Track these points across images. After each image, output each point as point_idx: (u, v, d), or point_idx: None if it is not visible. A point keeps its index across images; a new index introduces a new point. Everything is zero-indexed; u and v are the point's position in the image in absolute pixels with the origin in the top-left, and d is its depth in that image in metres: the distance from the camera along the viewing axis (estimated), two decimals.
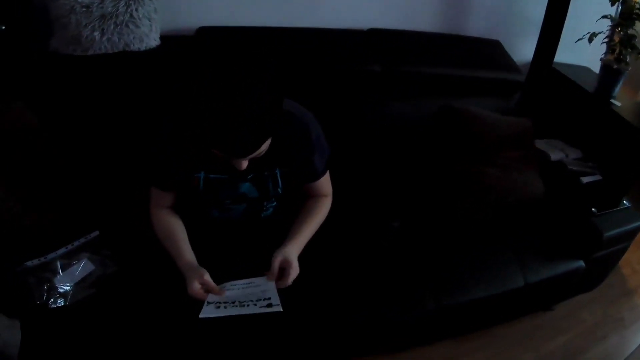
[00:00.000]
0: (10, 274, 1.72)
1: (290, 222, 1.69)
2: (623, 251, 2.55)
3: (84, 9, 2.04)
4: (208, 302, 1.42)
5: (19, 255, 1.78)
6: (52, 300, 1.68)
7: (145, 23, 2.17)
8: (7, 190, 1.83)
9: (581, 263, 2.31)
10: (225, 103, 1.20)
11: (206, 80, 1.22)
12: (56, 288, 1.70)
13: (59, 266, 1.76)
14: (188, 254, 1.56)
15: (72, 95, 2.13)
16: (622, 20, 2.54)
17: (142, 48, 2.20)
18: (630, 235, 2.44)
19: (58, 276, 1.73)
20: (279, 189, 1.67)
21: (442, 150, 2.46)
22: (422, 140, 2.57)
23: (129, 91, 2.19)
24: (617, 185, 2.51)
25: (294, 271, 1.50)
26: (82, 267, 1.78)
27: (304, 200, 1.78)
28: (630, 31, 2.52)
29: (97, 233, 1.92)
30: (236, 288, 1.50)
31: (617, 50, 2.60)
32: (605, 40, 2.67)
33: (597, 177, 2.56)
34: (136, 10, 2.12)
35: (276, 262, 1.50)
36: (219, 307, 1.41)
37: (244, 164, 1.38)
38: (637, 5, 2.52)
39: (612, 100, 2.64)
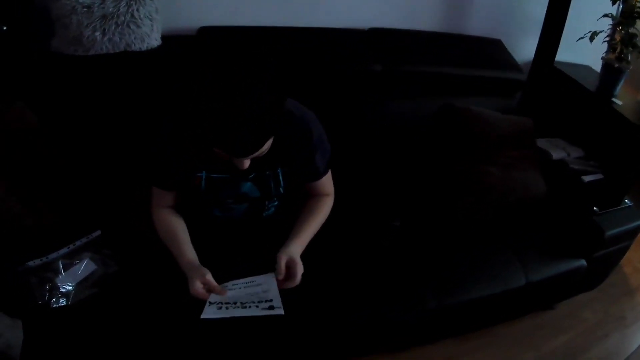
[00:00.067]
0: (12, 274, 1.72)
1: (292, 222, 1.69)
2: (625, 250, 2.55)
3: (85, 9, 2.04)
4: (210, 303, 1.42)
5: (20, 255, 1.78)
6: (54, 300, 1.68)
7: (147, 23, 2.17)
8: (8, 191, 1.83)
9: (583, 262, 2.31)
10: (225, 103, 1.20)
11: (207, 80, 1.22)
12: (58, 288, 1.71)
13: (60, 266, 1.76)
14: (190, 253, 1.56)
15: (74, 95, 2.13)
16: (623, 19, 2.54)
17: (144, 48, 2.20)
18: (631, 234, 2.44)
19: (60, 276, 1.74)
20: (280, 189, 1.67)
21: (443, 150, 2.46)
22: (423, 140, 2.57)
23: (131, 91, 2.19)
24: (619, 184, 2.51)
25: (300, 270, 1.51)
26: (84, 267, 1.79)
27: (305, 199, 1.78)
28: (631, 30, 2.52)
29: (98, 233, 1.92)
30: (238, 287, 1.50)
31: (618, 49, 2.60)
32: (607, 39, 2.67)
33: (599, 176, 2.56)
34: (137, 10, 2.12)
35: (283, 262, 1.50)
36: (220, 307, 1.41)
37: (246, 163, 1.38)
38: (638, 4, 2.52)
39: (613, 99, 2.64)
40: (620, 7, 2.61)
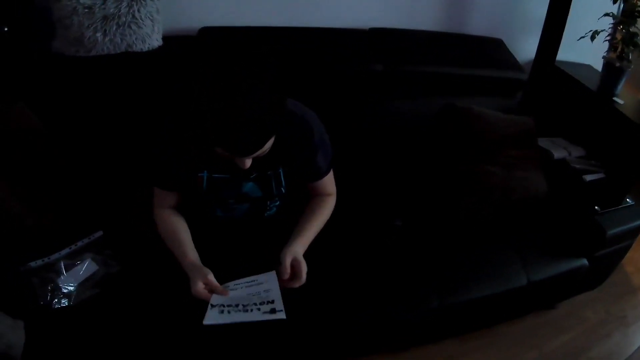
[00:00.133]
0: (14, 275, 1.73)
1: (294, 222, 1.69)
2: (626, 249, 2.54)
3: (86, 10, 2.04)
4: (212, 305, 1.42)
5: (22, 255, 1.78)
6: (56, 300, 1.68)
7: (148, 24, 2.17)
8: (10, 191, 1.83)
9: (584, 261, 2.31)
10: (227, 103, 1.20)
11: (208, 81, 1.22)
12: (60, 288, 1.71)
13: (62, 266, 1.77)
14: (192, 253, 1.56)
15: (75, 96, 2.14)
16: (624, 18, 2.54)
17: (145, 49, 2.20)
18: (633, 233, 2.44)
19: (62, 276, 1.74)
20: (282, 189, 1.67)
21: (444, 150, 2.46)
22: (425, 140, 2.57)
23: (132, 92, 2.19)
24: (621, 183, 2.50)
25: (305, 269, 1.51)
26: (85, 268, 1.79)
27: (308, 199, 1.78)
28: (632, 29, 2.52)
29: (100, 233, 1.92)
30: (239, 287, 1.50)
31: (619, 48, 2.60)
32: (608, 38, 2.67)
33: (600, 175, 2.56)
34: (138, 11, 2.12)
35: (287, 261, 1.50)
36: (222, 311, 1.41)
37: (248, 162, 1.38)
38: (639, 3, 2.52)
39: (614, 98, 2.64)
40: (621, 6, 2.61)
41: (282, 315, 1.38)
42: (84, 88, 2.14)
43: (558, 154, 2.66)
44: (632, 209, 2.43)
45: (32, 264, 1.76)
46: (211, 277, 1.47)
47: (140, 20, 2.14)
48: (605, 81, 2.72)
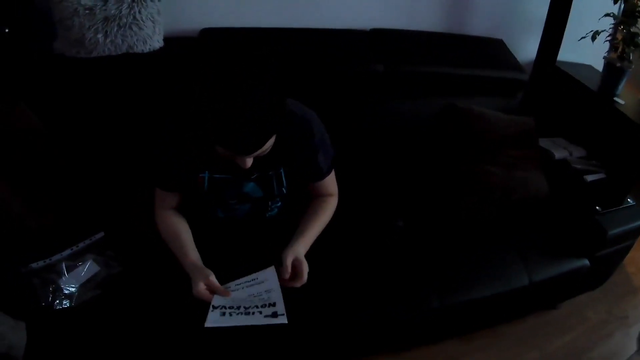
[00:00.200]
0: (15, 276, 1.73)
1: (295, 222, 1.69)
2: (627, 249, 2.54)
3: (87, 12, 2.04)
4: (213, 307, 1.42)
5: (23, 256, 1.78)
6: (57, 301, 1.68)
7: (149, 25, 2.18)
8: (12, 192, 1.83)
9: (586, 261, 2.31)
10: (227, 104, 1.21)
11: (208, 81, 1.23)
12: (61, 289, 1.71)
13: (64, 268, 1.76)
14: (193, 254, 1.56)
15: (76, 97, 2.14)
16: (625, 18, 2.54)
17: (146, 50, 2.21)
18: (634, 233, 2.44)
19: (63, 277, 1.74)
20: (283, 189, 1.68)
21: (445, 150, 2.46)
22: (426, 140, 2.57)
23: (133, 93, 2.19)
24: (621, 183, 2.50)
25: (306, 270, 1.51)
26: (87, 269, 1.79)
27: (309, 200, 1.78)
28: (633, 29, 2.52)
29: (101, 234, 1.92)
30: (240, 287, 1.50)
31: (620, 48, 2.60)
32: (608, 38, 2.67)
33: (601, 176, 2.56)
34: (139, 12, 2.12)
35: (289, 260, 1.50)
36: (224, 313, 1.41)
37: (249, 162, 1.38)
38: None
39: (615, 99, 2.64)
40: (622, 6, 2.61)
41: (283, 320, 1.38)
42: (85, 89, 2.14)
43: (559, 154, 2.66)
44: (633, 209, 2.43)
45: (34, 265, 1.76)
46: (212, 277, 1.47)
47: (141, 22, 2.14)
48: (606, 81, 2.72)
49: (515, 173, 2.38)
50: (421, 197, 2.40)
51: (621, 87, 2.67)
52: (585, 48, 2.66)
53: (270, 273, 1.52)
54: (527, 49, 2.99)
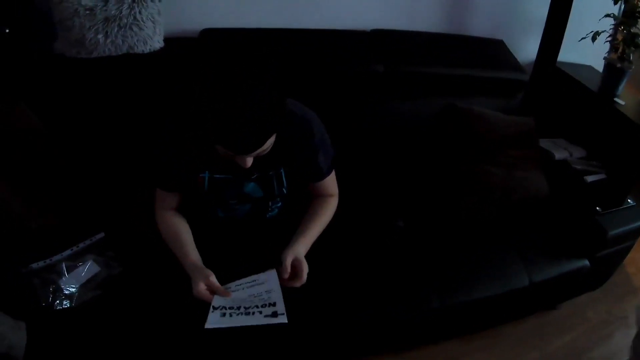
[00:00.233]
0: (16, 276, 1.73)
1: (295, 223, 1.69)
2: (628, 250, 2.54)
3: (87, 12, 2.04)
4: (213, 307, 1.43)
5: (24, 257, 1.78)
6: (57, 302, 1.68)
7: (149, 25, 2.18)
8: (12, 192, 1.84)
9: (586, 262, 2.31)
10: (227, 104, 1.22)
11: (208, 82, 1.24)
12: (62, 290, 1.71)
13: (64, 268, 1.77)
14: (193, 254, 1.57)
15: (77, 97, 2.14)
16: (625, 19, 2.54)
17: (146, 50, 2.21)
18: (634, 234, 2.44)
19: (63, 278, 1.74)
20: (283, 189, 1.68)
21: (445, 150, 2.46)
22: (426, 140, 2.57)
23: (133, 93, 2.20)
24: (622, 183, 2.50)
25: (306, 270, 1.51)
26: (87, 269, 1.79)
27: (309, 200, 1.78)
28: (633, 30, 2.52)
29: (102, 235, 1.93)
30: (241, 288, 1.50)
31: (620, 49, 2.60)
32: (609, 39, 2.67)
33: (602, 176, 2.56)
34: (140, 12, 2.12)
35: (288, 260, 1.50)
36: (224, 314, 1.41)
37: (249, 161, 1.39)
38: None
39: (615, 99, 2.64)
40: (622, 7, 2.61)
41: (283, 320, 1.38)
42: (85, 89, 2.15)
43: (559, 154, 2.66)
44: (634, 209, 2.43)
45: (34, 265, 1.77)
46: (213, 278, 1.47)
47: (142, 22, 2.14)
48: (606, 82, 2.72)
49: (515, 173, 2.38)
50: (421, 197, 2.40)
51: (621, 88, 2.67)
52: (585, 49, 2.66)
53: (270, 274, 1.52)
54: (527, 49, 2.99)
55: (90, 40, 2.08)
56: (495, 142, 2.43)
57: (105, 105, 2.17)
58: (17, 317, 1.57)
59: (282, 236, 1.63)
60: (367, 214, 2.23)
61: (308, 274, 1.51)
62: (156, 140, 1.56)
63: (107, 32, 2.09)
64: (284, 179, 1.65)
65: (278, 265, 1.51)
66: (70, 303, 1.70)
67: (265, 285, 1.49)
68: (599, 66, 2.88)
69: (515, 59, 2.81)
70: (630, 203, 2.44)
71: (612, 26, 2.63)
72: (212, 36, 2.36)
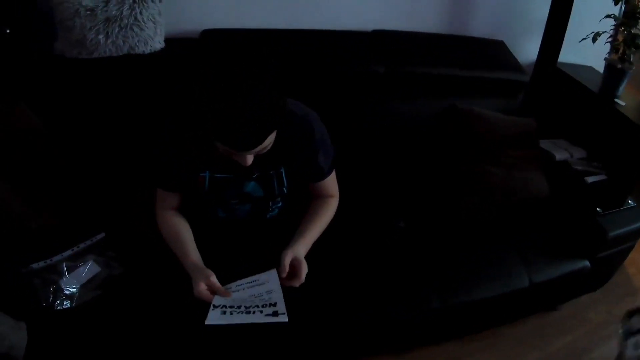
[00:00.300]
0: (16, 276, 1.73)
1: (295, 223, 1.69)
2: (628, 250, 2.54)
3: (88, 13, 2.04)
4: (214, 306, 1.43)
5: (24, 257, 1.78)
6: (58, 302, 1.69)
7: (150, 26, 2.18)
8: (12, 192, 1.84)
9: (586, 263, 2.31)
10: (227, 104, 1.22)
11: (209, 82, 1.24)
12: (62, 290, 1.71)
13: (64, 268, 1.77)
14: (194, 255, 1.57)
15: (77, 98, 2.14)
16: (626, 20, 2.54)
17: (147, 51, 2.21)
18: (635, 235, 2.44)
19: (64, 278, 1.74)
20: (284, 188, 1.68)
21: (446, 150, 2.46)
22: (427, 141, 2.57)
23: (134, 94, 2.20)
24: (622, 184, 2.50)
25: (305, 270, 1.51)
26: (87, 269, 1.79)
27: (310, 200, 1.78)
28: (634, 30, 2.51)
29: (102, 235, 1.93)
30: (241, 288, 1.50)
31: (620, 50, 2.60)
32: (609, 39, 2.66)
33: (602, 177, 2.56)
34: (140, 13, 2.13)
35: (287, 259, 1.50)
36: (224, 312, 1.41)
37: (249, 159, 1.39)
38: None
39: (616, 100, 2.64)
40: (623, 7, 2.60)
41: (284, 319, 1.38)
42: (85, 90, 2.15)
43: (559, 155, 2.66)
44: (634, 210, 2.43)
45: (34, 265, 1.77)
46: (213, 278, 1.47)
47: (143, 23, 2.15)
48: (606, 83, 2.72)
49: (515, 174, 2.38)
50: (422, 197, 2.40)
51: (622, 89, 2.67)
52: (586, 49, 2.66)
53: (271, 275, 1.52)
54: (528, 50, 2.99)
55: (91, 40, 2.08)
56: (495, 142, 2.43)
57: (105, 105, 2.17)
58: (18, 318, 1.57)
59: (283, 236, 1.63)
60: (367, 214, 2.23)
61: (308, 274, 1.51)
62: (156, 140, 1.56)
63: (107, 32, 2.09)
64: (284, 179, 1.65)
65: (278, 265, 1.51)
66: (71, 303, 1.70)
67: (265, 286, 1.49)
68: (600, 67, 2.88)
69: (516, 59, 2.81)
70: (630, 204, 2.44)
71: (612, 27, 2.63)
72: (213, 37, 2.36)
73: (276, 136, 1.40)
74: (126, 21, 2.11)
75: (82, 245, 1.88)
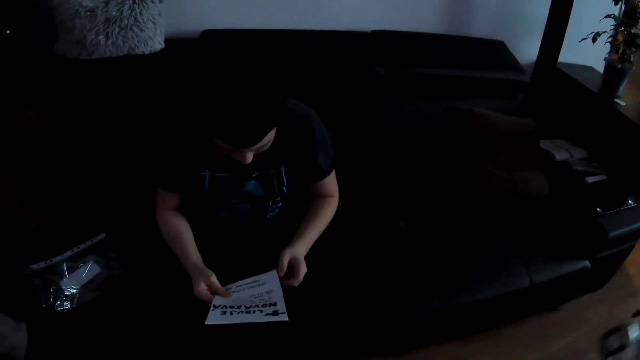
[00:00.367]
0: (17, 277, 1.73)
1: (295, 223, 1.69)
2: (629, 251, 2.54)
3: (88, 13, 2.05)
4: (214, 306, 1.43)
5: (24, 257, 1.78)
6: (58, 302, 1.69)
7: (150, 26, 2.18)
8: (12, 192, 1.83)
9: (587, 263, 2.30)
10: (227, 105, 1.22)
11: (209, 82, 1.24)
12: (62, 291, 1.71)
13: (65, 269, 1.77)
14: (194, 255, 1.57)
15: (77, 98, 2.14)
16: (626, 20, 2.54)
17: (147, 51, 2.21)
18: (635, 235, 2.44)
19: (64, 279, 1.74)
20: (284, 188, 1.68)
21: (446, 151, 2.46)
22: (427, 141, 2.57)
23: (134, 95, 2.20)
24: (622, 184, 2.50)
25: (303, 270, 1.51)
26: (88, 270, 1.79)
27: (310, 200, 1.78)
28: (634, 30, 2.51)
29: (103, 236, 1.93)
30: (242, 289, 1.50)
31: (620, 50, 2.60)
32: (609, 39, 2.66)
33: (602, 177, 2.55)
34: (140, 13, 2.13)
35: (285, 258, 1.50)
36: (225, 312, 1.41)
37: (249, 157, 1.39)
38: None
39: (616, 100, 2.64)
40: (623, 7, 2.60)
41: (284, 318, 1.38)
42: (86, 90, 2.15)
43: (560, 155, 2.66)
44: (634, 210, 2.43)
45: (35, 266, 1.76)
46: (214, 278, 1.47)
47: (143, 23, 2.15)
48: (606, 83, 2.72)
49: (516, 174, 2.38)
50: (422, 198, 2.40)
51: (622, 89, 2.67)
52: (586, 49, 2.66)
53: (271, 275, 1.52)
54: (528, 50, 2.99)
55: (91, 41, 2.08)
56: (495, 142, 2.43)
57: (105, 106, 2.17)
58: (18, 318, 1.57)
59: (283, 236, 1.63)
60: (367, 215, 2.23)
61: (309, 273, 1.51)
62: (156, 140, 1.57)
63: (107, 33, 2.09)
64: (284, 178, 1.65)
65: (277, 265, 1.51)
66: (71, 304, 1.70)
67: (266, 286, 1.49)
68: (600, 67, 2.88)
69: (516, 59, 2.81)
70: (631, 204, 2.44)
71: (612, 27, 2.63)
72: (213, 37, 2.36)
73: (276, 135, 1.40)
74: (126, 22, 2.11)
75: (82, 246, 1.88)
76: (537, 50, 2.90)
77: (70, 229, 1.93)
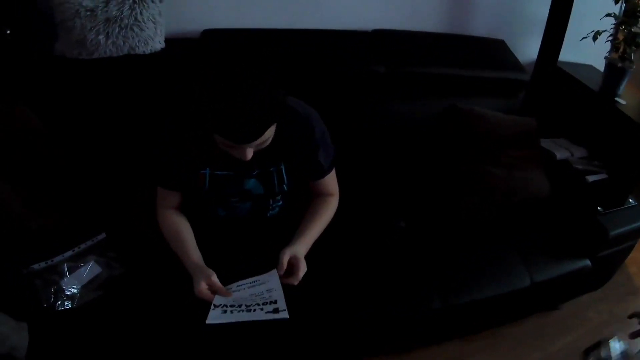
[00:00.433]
0: (17, 277, 1.73)
1: (296, 222, 1.70)
2: (629, 250, 2.54)
3: (88, 13, 2.04)
4: (215, 305, 1.43)
5: (25, 258, 1.78)
6: (59, 302, 1.69)
7: (150, 26, 2.18)
8: (12, 192, 1.83)
9: (587, 262, 2.30)
10: (227, 104, 1.23)
11: (209, 81, 1.24)
12: (63, 290, 1.71)
13: (65, 269, 1.77)
14: (195, 254, 1.57)
15: (78, 98, 2.14)
16: (626, 18, 2.54)
17: (147, 51, 2.21)
18: (636, 234, 2.44)
19: (65, 279, 1.74)
20: (284, 186, 1.68)
21: (447, 150, 2.46)
22: (427, 140, 2.57)
23: (134, 94, 2.20)
24: (623, 183, 2.50)
25: (303, 269, 1.51)
26: (89, 270, 1.79)
27: (310, 199, 1.78)
28: (634, 29, 2.51)
29: (103, 235, 1.93)
30: (242, 288, 1.50)
31: (621, 49, 2.60)
32: (610, 38, 2.66)
33: (603, 176, 2.56)
34: (140, 13, 2.13)
35: (285, 257, 1.51)
36: (225, 311, 1.41)
37: (249, 153, 1.39)
38: None
39: (617, 99, 2.64)
40: (623, 6, 2.60)
41: (284, 315, 1.38)
42: (86, 90, 2.15)
43: (560, 154, 2.66)
44: (635, 209, 2.43)
45: (35, 266, 1.76)
46: (214, 278, 1.47)
47: (143, 23, 2.15)
48: (607, 82, 2.72)
49: (516, 173, 2.38)
50: (422, 197, 2.40)
51: (622, 87, 2.67)
52: (586, 48, 2.66)
53: (272, 275, 1.52)
54: (528, 49, 2.99)
55: (91, 41, 2.08)
56: (496, 142, 2.43)
57: (106, 105, 2.17)
58: (19, 318, 1.57)
59: (283, 235, 1.63)
60: (368, 214, 2.23)
61: (309, 272, 1.51)
62: (156, 140, 1.57)
63: (108, 33, 2.09)
64: (284, 175, 1.65)
65: (277, 263, 1.52)
66: (72, 304, 1.70)
67: (266, 285, 1.49)
68: (600, 66, 2.88)
69: (516, 58, 2.81)
70: (631, 203, 2.44)
71: (613, 25, 2.63)
72: (214, 37, 2.36)
73: (276, 133, 1.40)
74: (126, 21, 2.11)
75: (83, 246, 1.88)
76: (538, 49, 2.90)
77: (71, 228, 1.93)
